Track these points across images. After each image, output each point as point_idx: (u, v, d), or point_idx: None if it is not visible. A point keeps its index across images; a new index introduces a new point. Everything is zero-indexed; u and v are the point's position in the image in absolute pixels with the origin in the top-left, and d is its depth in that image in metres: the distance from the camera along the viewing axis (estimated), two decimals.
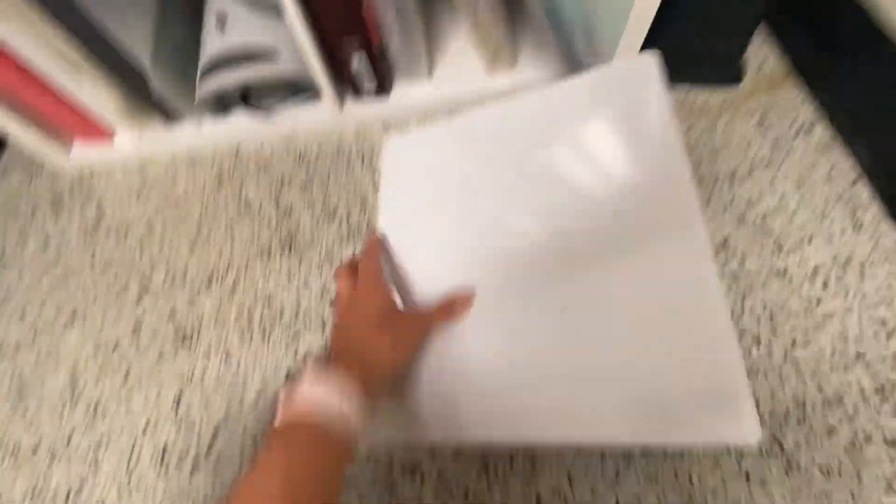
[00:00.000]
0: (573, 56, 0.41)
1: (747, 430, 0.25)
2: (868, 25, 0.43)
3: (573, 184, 0.30)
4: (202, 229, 0.49)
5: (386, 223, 0.34)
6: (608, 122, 0.30)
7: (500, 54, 0.50)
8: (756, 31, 0.49)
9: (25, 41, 0.41)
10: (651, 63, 0.30)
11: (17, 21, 0.38)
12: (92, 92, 0.46)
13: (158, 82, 0.45)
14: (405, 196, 0.34)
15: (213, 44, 0.46)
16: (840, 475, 0.36)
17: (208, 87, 0.46)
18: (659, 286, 0.27)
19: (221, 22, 0.46)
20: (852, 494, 0.35)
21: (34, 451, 0.40)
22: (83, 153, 0.54)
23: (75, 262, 0.49)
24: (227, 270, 0.47)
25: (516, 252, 0.29)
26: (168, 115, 0.51)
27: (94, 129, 0.51)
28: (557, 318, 0.28)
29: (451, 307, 0.29)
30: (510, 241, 0.30)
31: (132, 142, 0.53)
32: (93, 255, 0.49)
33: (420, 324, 0.29)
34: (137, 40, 0.44)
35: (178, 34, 0.49)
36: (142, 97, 0.48)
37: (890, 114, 0.43)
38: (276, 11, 0.42)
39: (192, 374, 0.43)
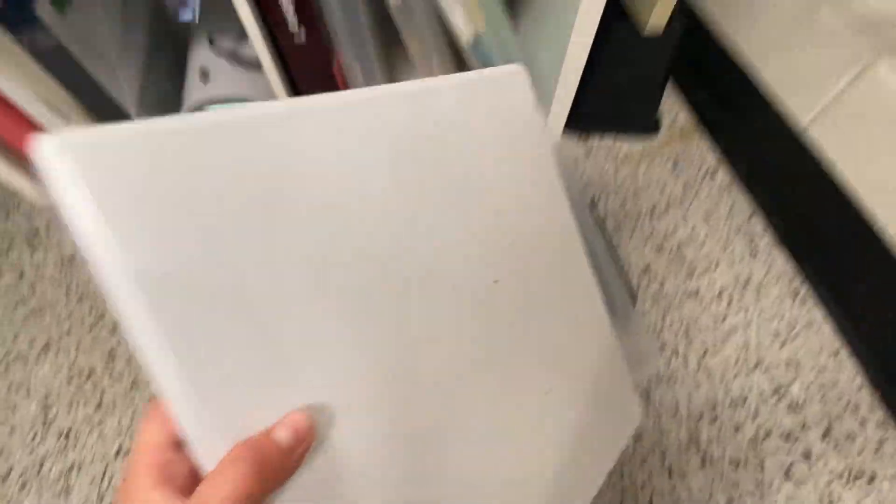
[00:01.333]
0: None
1: (634, 418, 0.30)
2: (750, 86, 0.53)
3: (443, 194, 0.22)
4: None
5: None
6: (479, 129, 0.24)
7: None
8: (664, 92, 0.59)
9: (16, 87, 0.45)
10: (519, 72, 0.27)
11: (9, 67, 0.42)
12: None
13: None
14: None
15: (196, 94, 0.51)
16: (746, 466, 0.42)
17: None
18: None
19: (205, 75, 0.52)
20: (756, 482, 0.41)
21: (4, 479, 0.41)
22: None
23: (51, 295, 0.51)
24: None
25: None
26: None
27: None
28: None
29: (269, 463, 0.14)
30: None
31: None
32: (68, 288, 0.52)
33: None
34: (125, 91, 0.48)
35: (162, 86, 0.54)
36: None
37: (773, 160, 0.52)
38: (256, 65, 0.48)
39: None
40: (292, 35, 0.43)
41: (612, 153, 0.60)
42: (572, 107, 0.56)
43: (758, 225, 0.53)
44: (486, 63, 0.44)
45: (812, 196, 0.48)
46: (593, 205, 0.53)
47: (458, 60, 0.51)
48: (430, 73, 0.52)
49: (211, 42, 0.52)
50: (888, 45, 0.38)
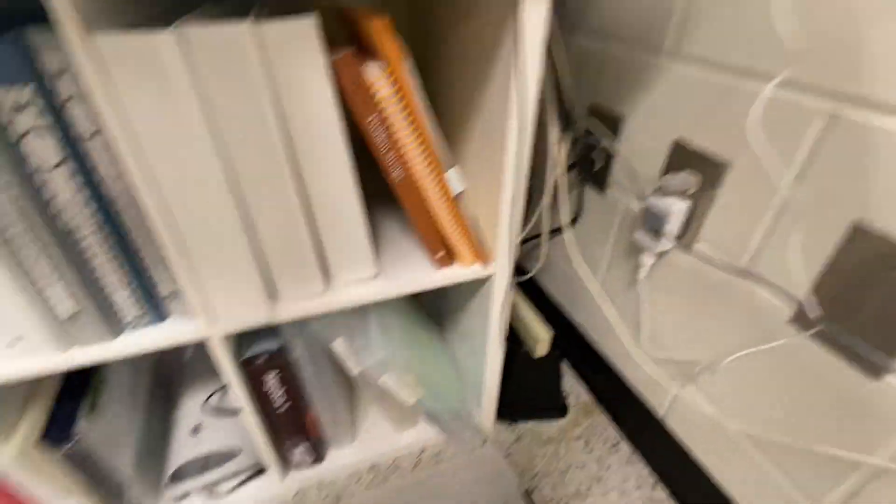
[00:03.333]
0: (444, 423, 0.64)
1: None
2: (616, 377, 0.72)
3: None
4: None
5: None
6: None
7: (405, 419, 0.71)
8: (561, 385, 0.78)
9: (39, 485, 0.53)
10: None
11: (41, 475, 0.51)
12: None
13: (135, 493, 0.57)
14: None
15: (185, 451, 0.61)
16: None
17: (179, 489, 0.59)
18: None
19: (196, 431, 0.63)
20: None
21: None
22: None
23: None
24: None
25: None
26: None
27: None
28: None
29: None
30: None
31: None
32: None
33: None
34: (124, 463, 0.57)
35: (156, 442, 0.64)
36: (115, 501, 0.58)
37: (651, 439, 0.68)
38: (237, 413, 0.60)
39: None
40: (277, 407, 0.58)
41: (536, 436, 0.74)
42: (500, 400, 0.72)
43: (662, 493, 0.66)
44: (430, 415, 0.60)
45: (686, 475, 0.62)
46: (529, 497, 0.63)
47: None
48: (389, 410, 0.67)
49: (204, 403, 0.65)
50: (686, 374, 0.59)
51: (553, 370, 0.73)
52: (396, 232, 0.63)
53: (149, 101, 0.34)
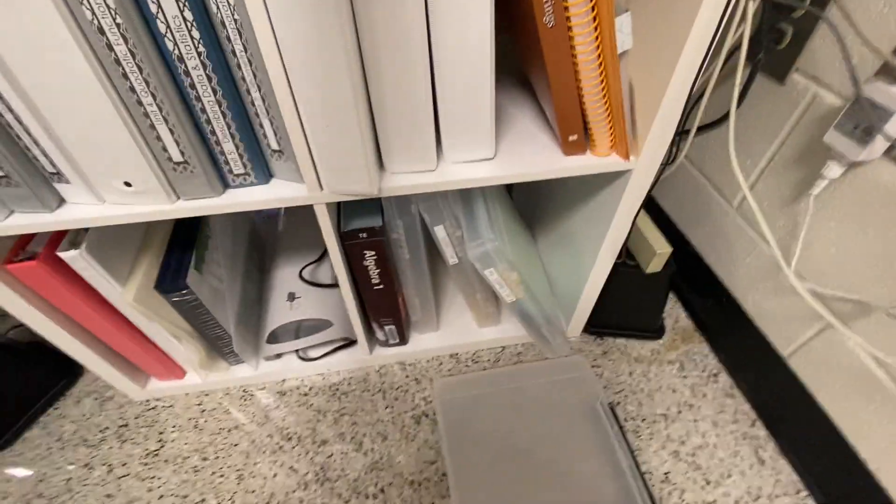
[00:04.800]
0: (537, 327, 0.60)
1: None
2: (737, 308, 0.64)
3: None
4: (248, 461, 0.59)
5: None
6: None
7: (489, 316, 0.69)
8: (665, 304, 0.71)
9: (157, 328, 0.57)
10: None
11: (159, 318, 0.54)
12: (184, 351, 0.60)
13: (237, 344, 0.61)
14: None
15: (282, 314, 0.63)
16: None
17: (273, 349, 0.62)
18: None
19: (292, 298, 0.64)
20: None
21: None
22: (154, 387, 0.66)
23: (135, 492, 0.57)
24: (269, 502, 0.56)
25: None
26: (233, 360, 0.65)
27: (172, 372, 0.64)
28: None
29: None
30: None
31: (199, 379, 0.66)
32: (150, 486, 0.58)
33: None
34: (227, 315, 0.60)
35: (252, 303, 0.66)
36: (220, 354, 0.62)
37: (763, 377, 0.61)
38: (334, 288, 0.60)
39: None
40: (373, 284, 0.56)
41: (626, 354, 0.70)
42: (591, 314, 0.67)
43: (761, 432, 0.61)
44: (524, 316, 0.56)
45: (800, 418, 0.55)
46: (613, 411, 0.61)
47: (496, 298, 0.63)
48: (475, 305, 0.64)
49: (300, 273, 0.65)
50: (840, 315, 0.49)
51: (661, 289, 0.66)
52: (518, 102, 0.54)
53: None
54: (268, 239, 0.77)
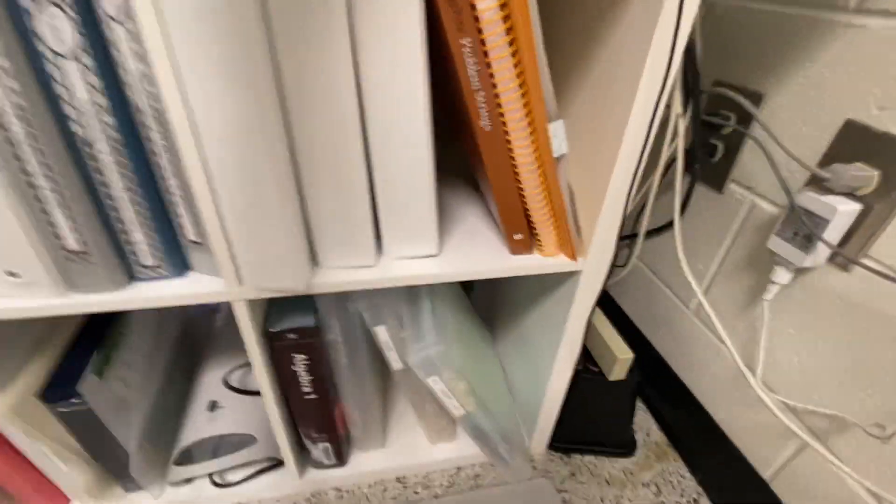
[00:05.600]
0: (493, 445, 0.53)
1: None
2: (706, 417, 0.59)
3: None
4: None
5: None
6: None
7: (442, 431, 0.61)
8: (633, 416, 0.65)
9: (34, 445, 0.47)
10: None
11: (39, 433, 0.45)
12: (68, 473, 0.49)
13: (137, 467, 0.51)
14: None
15: (198, 429, 0.54)
16: None
17: (182, 473, 0.52)
18: None
19: (212, 407, 0.56)
20: None
21: None
22: None
23: None
24: None
25: None
26: (131, 486, 0.54)
27: (53, 500, 0.52)
28: None
29: None
30: None
31: None
32: None
33: None
34: (130, 433, 0.51)
35: (168, 414, 0.57)
36: (117, 477, 0.52)
37: (742, 493, 0.54)
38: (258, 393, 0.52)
39: None
40: (303, 393, 0.49)
41: (595, 475, 0.62)
42: (554, 428, 0.60)
43: None
44: (477, 433, 0.49)
45: None
46: None
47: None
48: (426, 418, 0.57)
49: (225, 379, 0.58)
50: (816, 432, 0.45)
51: (627, 398, 0.61)
52: (465, 202, 0.53)
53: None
54: (203, 335, 0.70)
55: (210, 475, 0.56)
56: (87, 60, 0.28)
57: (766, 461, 0.51)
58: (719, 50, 0.53)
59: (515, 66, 0.32)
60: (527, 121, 0.35)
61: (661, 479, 0.62)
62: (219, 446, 0.55)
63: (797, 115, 0.44)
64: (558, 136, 0.35)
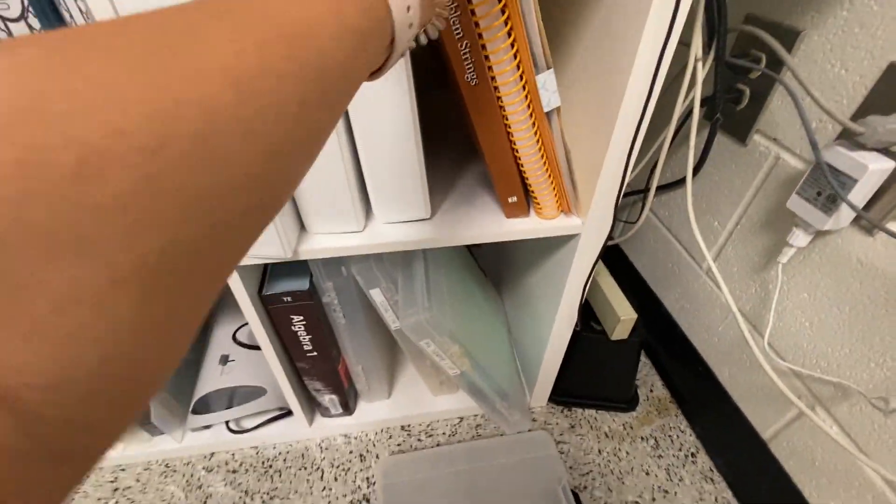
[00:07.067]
0: (490, 402, 0.54)
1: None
2: (717, 384, 0.58)
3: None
4: None
5: None
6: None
7: (443, 384, 0.62)
8: (636, 374, 0.65)
9: None
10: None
11: None
12: None
13: (158, 413, 0.54)
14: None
15: (211, 380, 0.57)
16: None
17: (200, 420, 0.56)
18: None
19: (224, 360, 0.58)
20: None
21: None
22: None
23: None
24: None
25: None
26: (154, 431, 0.58)
27: None
28: None
29: None
30: None
31: (114, 451, 0.59)
32: None
33: None
34: None
35: (186, 364, 0.61)
36: (140, 423, 0.56)
37: (745, 458, 0.55)
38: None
39: None
40: (305, 351, 0.51)
41: (595, 428, 0.63)
42: (558, 379, 0.61)
43: None
44: (473, 391, 0.50)
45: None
46: (577, 498, 0.54)
47: None
48: (426, 373, 0.58)
49: (234, 335, 0.60)
50: (820, 398, 0.44)
51: (629, 356, 0.60)
52: (462, 162, 0.51)
53: None
54: None
55: (226, 422, 0.59)
56: None
57: (765, 422, 0.51)
58: None
59: (502, 14, 0.29)
60: (518, 73, 0.32)
61: (660, 434, 0.62)
62: (232, 396, 0.58)
63: (836, 57, 0.39)
64: (549, 88, 0.32)
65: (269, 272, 0.47)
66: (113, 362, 0.09)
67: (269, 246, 0.37)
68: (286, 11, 0.12)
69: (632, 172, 0.38)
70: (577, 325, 0.51)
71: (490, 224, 0.41)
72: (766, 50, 0.44)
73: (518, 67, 0.32)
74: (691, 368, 0.62)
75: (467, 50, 0.31)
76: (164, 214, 0.09)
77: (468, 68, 0.32)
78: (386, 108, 0.33)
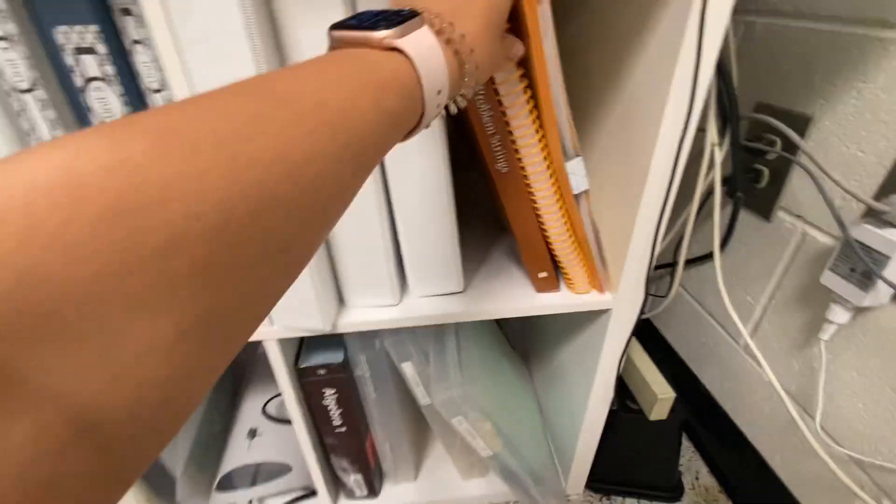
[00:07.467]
0: (524, 486, 0.51)
1: None
2: (760, 462, 0.54)
3: None
4: None
5: None
6: None
7: (473, 466, 0.60)
8: (679, 458, 0.61)
9: None
10: None
11: None
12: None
13: (183, 491, 0.53)
14: None
15: (238, 455, 0.56)
16: None
17: (224, 498, 0.54)
18: None
19: (252, 434, 0.58)
20: None
21: None
22: None
23: None
24: None
25: None
26: None
27: None
28: None
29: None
30: None
31: None
32: None
33: None
34: (177, 458, 0.54)
35: (213, 438, 0.60)
36: (161, 499, 0.55)
37: None
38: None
39: None
40: (334, 426, 0.50)
41: None
42: (595, 465, 0.58)
43: None
44: (506, 473, 0.48)
45: None
46: None
47: None
48: (456, 453, 0.56)
49: (264, 408, 0.60)
50: (887, 490, 0.40)
51: (670, 438, 0.57)
52: (492, 237, 0.53)
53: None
54: (245, 362, 0.74)
55: (249, 502, 0.58)
56: None
57: None
58: (761, 72, 0.50)
59: (531, 111, 0.32)
60: (546, 163, 0.35)
61: None
62: (257, 473, 0.57)
63: (851, 140, 0.41)
64: (577, 173, 0.35)
65: (303, 344, 0.48)
66: (169, 403, 0.11)
67: (310, 319, 0.38)
68: (334, 98, 0.15)
69: (660, 246, 0.39)
70: (613, 404, 0.50)
71: (521, 298, 0.42)
72: (779, 134, 0.46)
73: (546, 158, 0.34)
74: (738, 453, 0.58)
75: (499, 144, 0.34)
76: (222, 277, 0.11)
77: (499, 158, 0.35)
78: (423, 183, 0.36)
